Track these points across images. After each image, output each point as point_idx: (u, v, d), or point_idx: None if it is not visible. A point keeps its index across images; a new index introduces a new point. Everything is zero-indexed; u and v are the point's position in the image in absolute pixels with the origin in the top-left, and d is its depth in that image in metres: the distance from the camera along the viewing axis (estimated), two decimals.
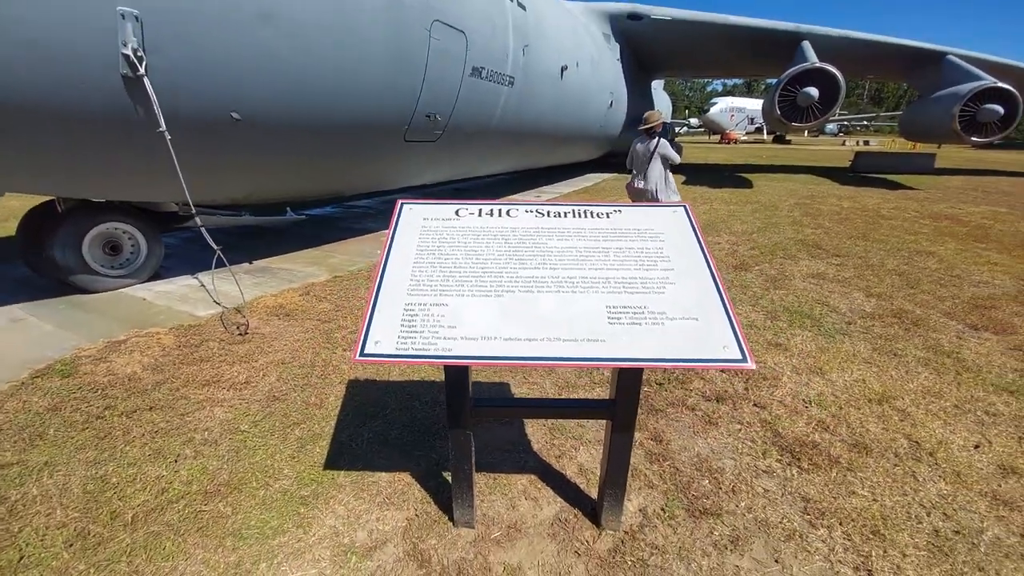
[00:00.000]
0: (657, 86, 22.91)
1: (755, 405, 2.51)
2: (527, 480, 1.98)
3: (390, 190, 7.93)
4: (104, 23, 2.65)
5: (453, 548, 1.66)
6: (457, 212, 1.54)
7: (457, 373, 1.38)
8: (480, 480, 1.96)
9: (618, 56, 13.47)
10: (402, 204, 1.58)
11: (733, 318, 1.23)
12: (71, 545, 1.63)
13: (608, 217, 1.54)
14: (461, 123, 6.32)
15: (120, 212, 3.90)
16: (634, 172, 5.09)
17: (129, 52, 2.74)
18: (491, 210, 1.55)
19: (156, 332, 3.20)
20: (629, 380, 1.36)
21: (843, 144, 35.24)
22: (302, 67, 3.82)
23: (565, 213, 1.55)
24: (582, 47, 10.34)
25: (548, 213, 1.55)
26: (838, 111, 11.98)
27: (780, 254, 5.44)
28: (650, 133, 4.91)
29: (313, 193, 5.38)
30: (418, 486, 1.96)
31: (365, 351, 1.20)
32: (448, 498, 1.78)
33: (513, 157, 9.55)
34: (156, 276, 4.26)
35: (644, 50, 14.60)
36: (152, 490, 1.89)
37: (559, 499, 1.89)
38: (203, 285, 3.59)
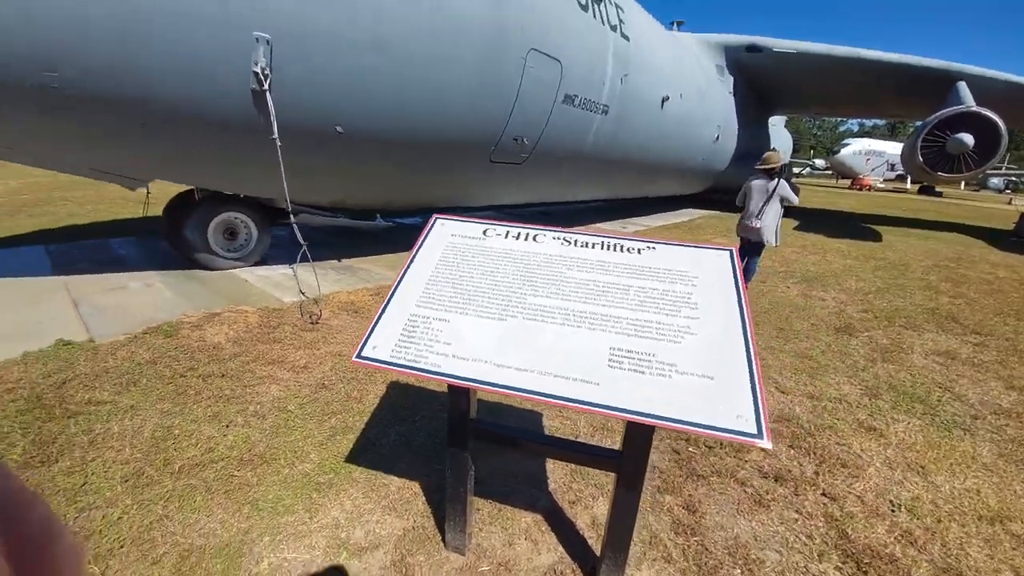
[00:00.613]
0: (777, 122, 21.29)
1: (824, 495, 2.13)
2: (532, 519, 1.88)
3: (476, 207, 8.30)
4: (243, 46, 3.18)
5: (438, 571, 1.62)
6: (485, 232, 1.55)
7: (460, 391, 1.37)
8: (484, 507, 1.90)
9: (731, 89, 12.81)
10: (436, 219, 1.63)
11: (757, 384, 1.06)
12: (126, 481, 1.89)
13: (639, 253, 1.43)
14: (549, 148, 6.43)
15: (241, 204, 4.56)
16: (748, 211, 4.95)
17: (258, 70, 3.24)
18: (518, 233, 1.54)
19: (246, 310, 3.64)
20: (638, 433, 1.23)
21: (1009, 203, 29.35)
22: (401, 89, 4.19)
23: (593, 244, 1.48)
24: (688, 78, 10.01)
25: (575, 242, 1.49)
26: (1000, 163, 10.09)
27: (900, 322, 4.64)
28: (769, 174, 4.81)
29: (401, 203, 5.82)
30: (424, 498, 1.95)
31: (362, 354, 1.24)
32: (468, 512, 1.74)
33: (603, 186, 9.46)
34: (261, 262, 4.88)
35: (762, 84, 13.73)
36: (202, 447, 2.12)
37: (560, 548, 1.76)
38: (295, 275, 4.03)
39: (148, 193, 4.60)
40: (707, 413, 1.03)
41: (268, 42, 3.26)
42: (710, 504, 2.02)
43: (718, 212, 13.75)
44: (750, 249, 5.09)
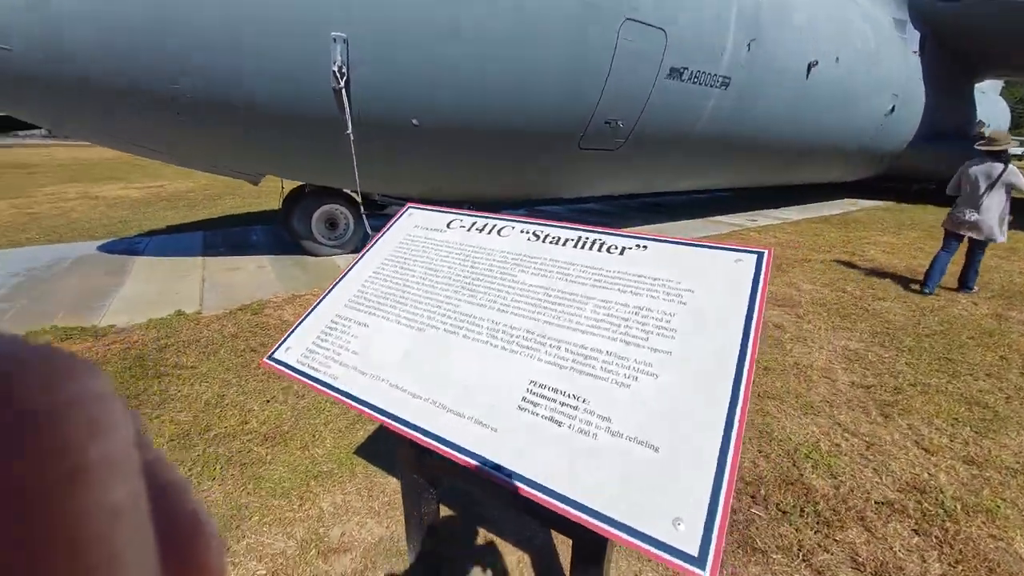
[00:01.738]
0: (988, 89, 16.40)
1: None
2: (516, 559, 1.62)
3: (569, 198, 7.91)
4: (322, 46, 3.39)
5: None
6: (449, 224, 1.32)
7: None
8: (467, 536, 1.70)
9: (916, 48, 10.10)
10: (407, 208, 1.45)
11: (727, 471, 0.66)
12: (172, 440, 2.13)
13: (622, 253, 1.06)
14: (649, 131, 5.76)
15: (341, 197, 4.98)
16: (965, 201, 4.22)
17: (336, 68, 3.43)
18: (483, 225, 1.27)
19: None
20: None
21: None
22: (480, 77, 4.09)
23: (567, 240, 1.14)
24: (849, 37, 8.11)
25: (546, 237, 1.17)
26: None
27: None
28: (995, 156, 4.07)
29: (484, 195, 5.78)
30: None
31: (273, 355, 1.13)
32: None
33: (723, 173, 8.23)
34: (357, 250, 5.31)
35: (964, 41, 10.54)
36: (239, 419, 2.31)
37: None
38: None
39: (283, 187, 5.32)
40: (626, 505, 0.67)
41: (345, 41, 3.42)
42: None
43: (890, 203, 11.08)
44: (971, 247, 4.29)
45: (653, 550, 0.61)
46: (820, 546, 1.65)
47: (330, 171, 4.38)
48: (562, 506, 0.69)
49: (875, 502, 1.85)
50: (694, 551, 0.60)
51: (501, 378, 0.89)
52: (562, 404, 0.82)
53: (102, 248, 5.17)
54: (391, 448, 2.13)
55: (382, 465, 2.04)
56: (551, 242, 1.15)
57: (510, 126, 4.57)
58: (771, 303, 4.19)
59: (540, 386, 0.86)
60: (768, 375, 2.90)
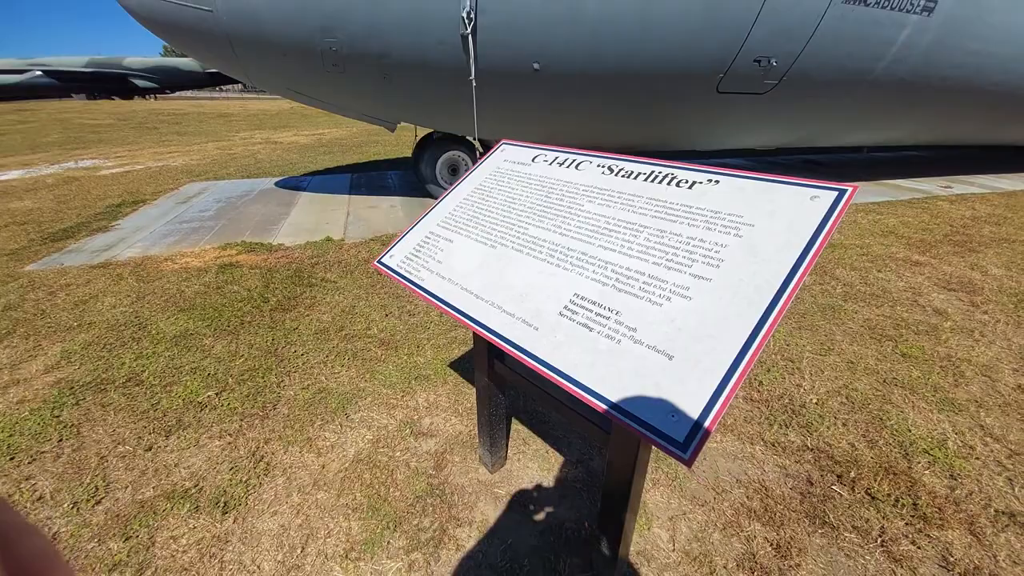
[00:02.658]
0: None
1: None
2: (574, 458, 1.78)
3: (707, 151, 7.22)
4: None
5: (463, 476, 1.76)
6: (534, 158, 1.41)
7: None
8: (538, 434, 1.90)
9: None
10: (501, 143, 1.57)
11: (732, 380, 0.69)
12: (316, 334, 2.69)
13: (692, 187, 1.04)
14: (812, 71, 4.86)
15: (463, 144, 5.31)
16: None
17: (464, 14, 3.58)
18: (564, 160, 1.33)
19: None
20: None
21: None
22: (605, 10, 3.88)
23: (639, 174, 1.15)
24: None
25: (619, 171, 1.19)
26: None
27: None
28: None
29: (606, 145, 5.59)
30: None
31: (382, 260, 1.38)
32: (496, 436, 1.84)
33: (914, 125, 6.58)
34: None
35: None
36: (365, 325, 2.80)
37: (587, 502, 1.63)
38: None
39: (416, 135, 5.85)
40: (632, 396, 0.74)
41: None
42: (818, 562, 1.46)
43: None
44: None
45: (647, 433, 0.69)
46: (907, 537, 1.50)
47: (455, 118, 4.67)
48: (577, 390, 0.80)
49: (995, 510, 1.58)
50: (680, 437, 0.66)
51: (550, 290, 1.00)
52: (596, 315, 0.90)
53: (278, 184, 6.35)
54: None
55: (469, 378, 2.33)
56: (623, 176, 1.18)
57: (633, 66, 4.29)
58: (938, 285, 3.49)
59: (581, 298, 0.95)
60: (905, 362, 2.51)
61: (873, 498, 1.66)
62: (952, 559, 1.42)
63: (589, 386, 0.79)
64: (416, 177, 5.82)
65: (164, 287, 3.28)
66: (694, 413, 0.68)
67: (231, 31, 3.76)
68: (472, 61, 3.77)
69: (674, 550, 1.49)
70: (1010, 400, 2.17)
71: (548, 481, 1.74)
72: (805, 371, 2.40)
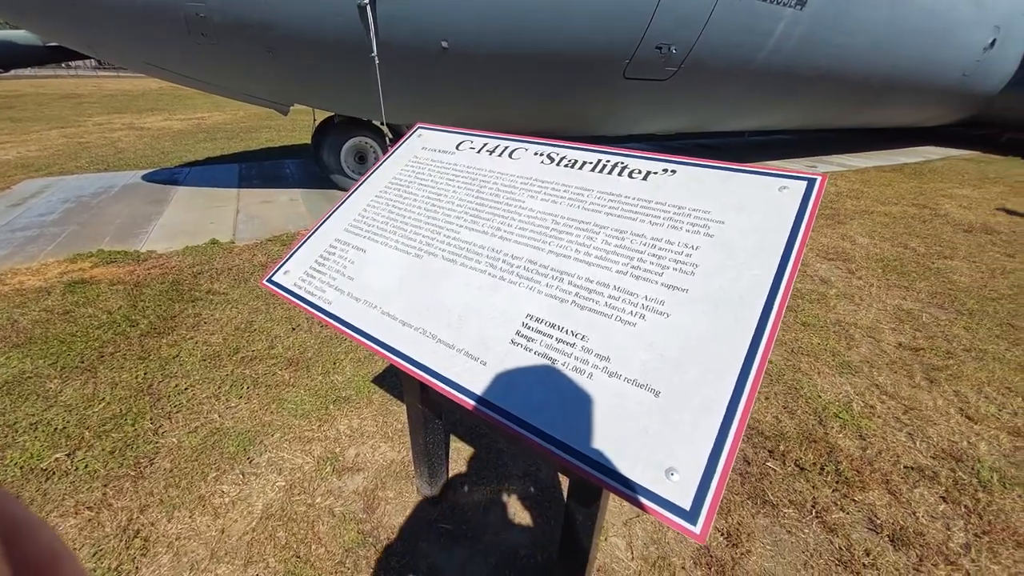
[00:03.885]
0: None
1: None
2: (521, 486, 1.64)
3: (611, 136, 7.42)
4: None
5: (400, 512, 1.54)
6: (459, 145, 1.20)
7: None
8: (480, 458, 1.73)
9: None
10: (417, 128, 1.34)
11: (735, 424, 0.57)
12: (204, 360, 2.24)
13: (646, 178, 0.92)
14: (707, 58, 5.16)
15: (369, 129, 4.84)
16: None
17: None
18: (495, 147, 1.15)
19: None
20: None
21: None
22: None
23: (584, 163, 1.01)
24: None
25: (561, 160, 1.04)
26: None
27: None
28: None
29: (518, 130, 5.47)
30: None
31: (272, 278, 1.10)
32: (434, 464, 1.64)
33: (788, 110, 7.35)
34: None
35: None
36: (267, 344, 2.40)
37: (536, 530, 1.50)
38: None
39: (315, 119, 5.22)
40: (616, 450, 0.60)
41: None
42: (765, 543, 1.48)
43: (975, 152, 9.82)
44: None
45: (642, 499, 0.55)
46: (836, 504, 1.59)
47: (356, 100, 4.22)
48: (547, 446, 0.64)
49: (904, 466, 1.74)
50: (686, 504, 0.53)
51: (496, 310, 0.82)
52: (558, 340, 0.74)
53: (146, 177, 5.34)
54: None
55: (398, 394, 2.09)
56: (566, 165, 1.03)
57: (547, 50, 4.18)
58: (820, 256, 3.89)
59: (537, 320, 0.78)
60: (806, 331, 2.72)
61: (802, 469, 1.74)
62: (878, 521, 1.52)
63: (560, 439, 0.63)
64: (318, 167, 5.23)
65: None
66: (697, 468, 0.55)
67: None
68: (373, 36, 3.37)
69: (633, 558, 1.43)
70: (895, 358, 2.44)
71: (497, 504, 1.59)
72: None
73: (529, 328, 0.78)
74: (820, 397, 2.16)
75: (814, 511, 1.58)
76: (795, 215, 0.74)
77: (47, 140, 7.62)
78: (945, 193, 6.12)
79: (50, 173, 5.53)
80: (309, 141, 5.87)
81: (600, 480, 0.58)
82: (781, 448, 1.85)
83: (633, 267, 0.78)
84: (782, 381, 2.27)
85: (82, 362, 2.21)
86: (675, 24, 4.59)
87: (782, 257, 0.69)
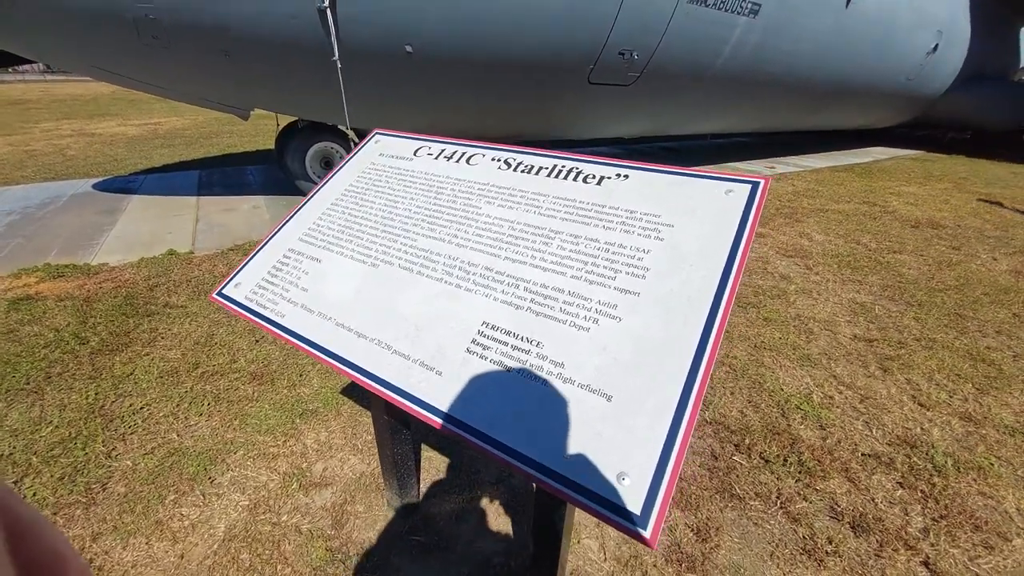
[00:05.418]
0: None
1: (927, 567, 1.45)
2: (495, 493, 1.63)
3: (578, 140, 7.52)
4: None
5: (369, 527, 1.51)
6: (416, 152, 1.19)
7: None
8: (455, 465, 1.71)
9: None
10: (374, 134, 1.32)
11: (682, 427, 0.59)
12: (161, 377, 2.14)
13: (600, 183, 0.94)
14: (667, 64, 5.30)
15: (335, 134, 4.76)
16: None
17: None
18: (452, 153, 1.14)
19: None
20: None
21: None
22: None
23: (540, 168, 1.02)
24: None
25: (517, 166, 1.05)
26: None
27: None
28: None
29: (484, 134, 5.47)
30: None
31: (222, 291, 1.06)
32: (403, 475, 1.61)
33: (745, 114, 7.65)
34: None
35: None
36: (228, 358, 2.31)
37: (510, 539, 1.49)
38: None
39: (279, 124, 5.07)
40: (570, 457, 0.60)
41: None
42: (733, 536, 1.52)
43: (920, 152, 10.42)
44: None
45: (593, 505, 0.56)
46: (799, 495, 1.64)
47: (319, 104, 4.14)
48: (502, 455, 0.64)
49: (861, 454, 1.82)
50: (636, 508, 0.54)
51: (452, 318, 0.81)
52: (513, 348, 0.74)
53: (97, 186, 5.09)
54: None
55: (368, 404, 2.05)
56: (523, 171, 1.03)
57: (513, 55, 4.21)
58: (780, 253, 4.04)
59: (492, 328, 0.78)
60: (768, 326, 2.82)
61: (767, 461, 1.80)
62: (839, 508, 1.58)
63: (515, 448, 0.63)
64: (282, 173, 5.10)
65: None
66: (648, 472, 0.56)
67: None
68: (334, 38, 3.31)
69: (605, 560, 1.44)
70: (851, 350, 2.56)
71: (470, 512, 1.58)
72: None
73: (484, 336, 0.77)
74: (782, 390, 2.24)
75: (779, 502, 1.63)
76: (740, 217, 0.77)
77: None
78: (893, 191, 6.47)
79: None
80: (273, 146, 5.73)
81: (552, 487, 0.59)
82: (747, 442, 1.90)
83: (587, 272, 0.79)
84: (747, 376, 2.34)
85: (27, 384, 2.08)
86: (636, 31, 4.70)
87: (727, 258, 0.71)
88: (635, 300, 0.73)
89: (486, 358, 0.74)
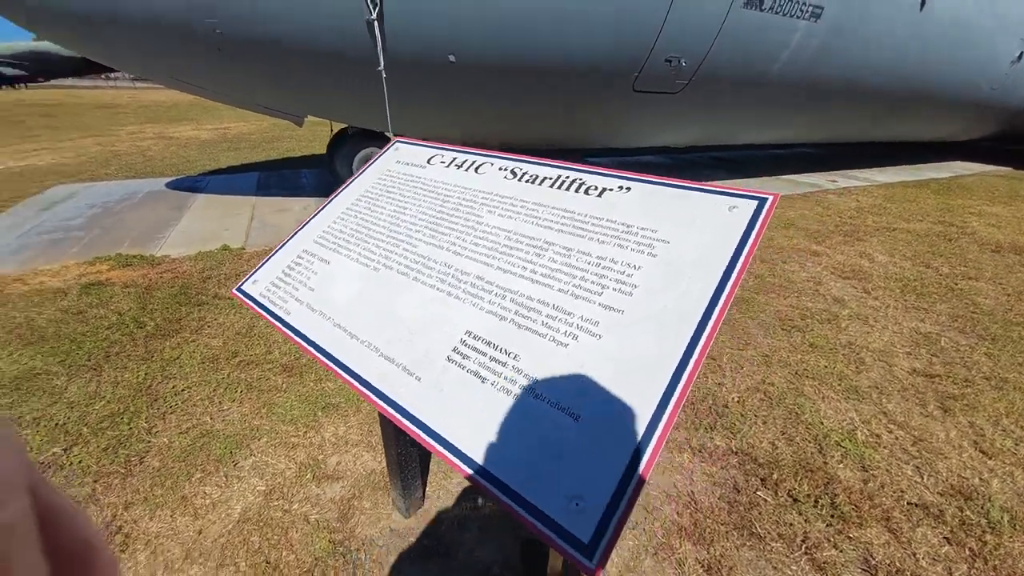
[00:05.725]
0: None
1: None
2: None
3: (622, 148, 7.39)
4: None
5: (373, 525, 1.54)
6: (430, 159, 1.22)
7: None
8: (449, 472, 1.72)
9: None
10: (394, 142, 1.36)
11: (646, 455, 0.55)
12: (203, 363, 2.30)
13: (601, 195, 0.91)
14: (718, 72, 5.10)
15: (382, 140, 4.95)
16: None
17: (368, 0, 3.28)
18: (463, 161, 1.15)
19: None
20: None
21: None
22: (523, 6, 3.75)
23: (544, 179, 1.01)
24: None
25: (523, 175, 1.04)
26: None
27: None
28: None
29: (526, 142, 5.49)
30: None
31: (242, 287, 1.12)
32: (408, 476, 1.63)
33: (805, 124, 7.21)
34: None
35: None
36: (265, 348, 2.45)
37: (513, 549, 1.47)
38: None
39: (332, 130, 5.37)
40: (527, 474, 0.58)
41: None
42: None
43: (1010, 169, 9.39)
44: None
45: (541, 527, 0.53)
46: (829, 541, 1.51)
47: (366, 112, 4.32)
48: (464, 467, 0.63)
49: (907, 502, 1.64)
50: (585, 536, 0.51)
51: (440, 325, 0.81)
52: (491, 359, 0.73)
53: (169, 185, 5.58)
54: None
55: None
56: (528, 180, 1.02)
57: (553, 62, 4.21)
58: (835, 274, 3.76)
59: (475, 337, 0.77)
60: (813, 352, 2.62)
61: (795, 500, 1.67)
62: (874, 561, 1.43)
63: (479, 462, 0.62)
64: (332, 177, 5.36)
65: (8, 315, 2.68)
66: (603, 498, 0.53)
67: (92, 9, 3.16)
68: (380, 50, 3.46)
69: None
70: (907, 384, 2.33)
71: (472, 519, 1.57)
72: (725, 368, 2.43)
73: (466, 345, 0.77)
74: (822, 424, 2.07)
75: (804, 547, 1.50)
76: (740, 236, 0.72)
77: (81, 148, 8.05)
78: (973, 210, 5.86)
79: (80, 179, 5.83)
80: (325, 151, 6.03)
81: (505, 504, 0.57)
82: (775, 476, 1.77)
83: (575, 286, 0.77)
84: (783, 405, 2.19)
85: (89, 361, 2.30)
86: (684, 37, 4.56)
87: (720, 281, 0.67)
88: (618, 318, 0.70)
89: (464, 367, 0.74)
